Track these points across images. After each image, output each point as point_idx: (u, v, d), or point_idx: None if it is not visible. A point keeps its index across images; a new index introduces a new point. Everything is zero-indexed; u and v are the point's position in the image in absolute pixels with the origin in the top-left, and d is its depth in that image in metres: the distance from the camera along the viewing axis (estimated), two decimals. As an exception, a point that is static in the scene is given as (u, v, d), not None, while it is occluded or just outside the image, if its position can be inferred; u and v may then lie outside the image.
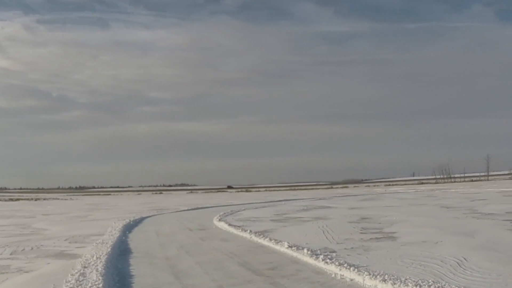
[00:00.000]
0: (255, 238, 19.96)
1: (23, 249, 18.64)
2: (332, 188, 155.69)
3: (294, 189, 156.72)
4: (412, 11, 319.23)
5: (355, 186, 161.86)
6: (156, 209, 48.89)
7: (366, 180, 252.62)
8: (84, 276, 12.26)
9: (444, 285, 10.08)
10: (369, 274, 11.19)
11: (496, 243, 15.61)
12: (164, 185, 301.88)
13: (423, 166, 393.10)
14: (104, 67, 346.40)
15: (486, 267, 11.82)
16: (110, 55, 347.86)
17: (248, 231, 22.05)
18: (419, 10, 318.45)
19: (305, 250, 15.15)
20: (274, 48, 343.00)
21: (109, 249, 17.22)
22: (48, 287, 11.46)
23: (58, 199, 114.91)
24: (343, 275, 11.91)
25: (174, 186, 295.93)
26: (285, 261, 14.56)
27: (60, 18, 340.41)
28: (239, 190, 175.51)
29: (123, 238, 22.29)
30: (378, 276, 10.94)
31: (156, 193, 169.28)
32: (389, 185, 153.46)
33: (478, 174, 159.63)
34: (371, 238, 18.44)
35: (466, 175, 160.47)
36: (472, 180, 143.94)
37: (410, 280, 10.43)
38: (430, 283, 10.15)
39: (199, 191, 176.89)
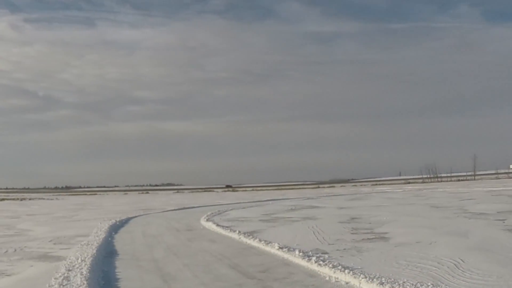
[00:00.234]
0: (244, 239, 19.52)
1: (6, 251, 18.07)
2: (319, 187, 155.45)
3: (281, 189, 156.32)
4: (399, 11, 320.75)
5: (342, 186, 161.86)
6: (142, 209, 48.38)
7: (353, 179, 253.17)
8: (68, 280, 11.76)
9: (444, 288, 9.73)
10: (365, 277, 10.78)
11: (492, 243, 15.27)
12: (150, 185, 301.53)
13: (409, 165, 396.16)
14: (91, 66, 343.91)
15: (485, 268, 11.45)
16: (96, 54, 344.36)
17: (237, 231, 21.64)
18: (406, 10, 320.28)
19: (297, 252, 14.76)
20: (261, 47, 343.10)
21: (94, 251, 16.71)
22: (30, 292, 10.99)
23: (43, 199, 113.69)
24: (337, 278, 11.52)
25: (161, 185, 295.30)
26: (276, 263, 14.14)
27: (47, 17, 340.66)
28: (226, 189, 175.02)
29: (109, 239, 21.78)
30: (374, 279, 10.55)
31: (142, 193, 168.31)
32: (376, 184, 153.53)
33: (464, 173, 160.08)
34: (363, 239, 18.05)
35: (452, 174, 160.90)
36: (458, 180, 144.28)
37: (408, 283, 10.07)
38: (429, 287, 9.79)
39: (186, 191, 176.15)
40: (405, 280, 10.44)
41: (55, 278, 12.00)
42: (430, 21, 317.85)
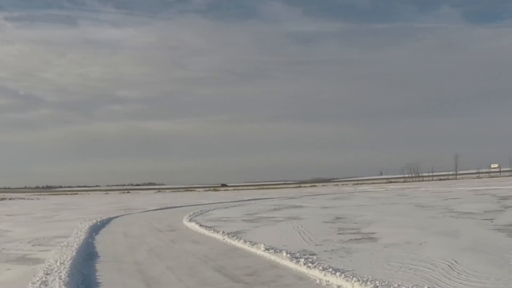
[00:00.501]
0: (228, 240, 19.00)
1: (-17, 253, 17.48)
2: (300, 187, 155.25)
3: (263, 188, 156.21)
4: (381, 11, 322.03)
5: (323, 185, 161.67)
6: (124, 209, 47.73)
7: (334, 179, 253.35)
8: (46, 285, 11.17)
9: (441, 292, 9.33)
10: (358, 280, 10.30)
11: (484, 244, 14.92)
12: (131, 184, 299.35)
13: (390, 165, 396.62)
14: (72, 65, 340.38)
15: (481, 270, 11.06)
16: (78, 53, 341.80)
17: (221, 232, 21.13)
18: (388, 10, 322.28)
19: (284, 253, 14.26)
20: (243, 47, 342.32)
21: (74, 253, 16.09)
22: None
23: (24, 199, 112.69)
24: (328, 281, 11.01)
25: (142, 185, 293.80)
26: (263, 265, 13.61)
27: (28, 15, 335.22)
28: (208, 189, 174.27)
29: (90, 240, 21.16)
30: (368, 282, 10.08)
31: (123, 193, 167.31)
32: (358, 184, 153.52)
33: (446, 173, 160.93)
34: (350, 239, 17.64)
35: (434, 174, 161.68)
36: (440, 179, 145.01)
37: (403, 287, 9.64)
38: (426, 290, 9.38)
39: (167, 190, 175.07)
40: (399, 283, 10.01)
41: (33, 283, 11.42)
42: (412, 22, 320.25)
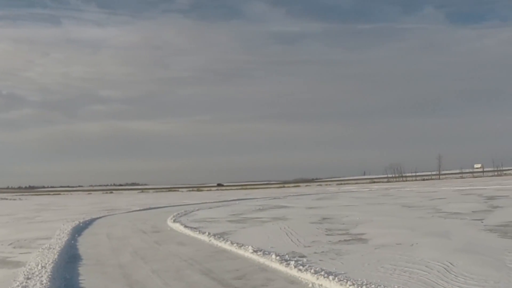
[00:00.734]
0: (215, 241, 18.55)
1: (-39, 257, 16.90)
2: (284, 187, 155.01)
3: (246, 188, 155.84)
4: (364, 12, 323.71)
5: (307, 185, 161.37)
6: (107, 209, 47.18)
7: (317, 179, 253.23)
8: (26, 290, 10.75)
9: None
10: (353, 284, 9.91)
11: (477, 245, 14.60)
12: (114, 185, 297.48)
13: (373, 165, 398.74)
14: (55, 64, 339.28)
15: (479, 273, 10.71)
16: (61, 52, 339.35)
17: (207, 233, 20.67)
18: (371, 11, 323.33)
19: (273, 256, 13.80)
20: (226, 47, 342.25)
21: (56, 256, 15.57)
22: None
23: (6, 199, 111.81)
24: (321, 285, 10.57)
25: (125, 185, 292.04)
26: (252, 268, 13.16)
27: (11, 14, 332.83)
28: (191, 189, 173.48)
29: (72, 242, 20.62)
30: (363, 286, 9.71)
31: (106, 193, 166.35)
32: (341, 184, 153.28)
33: (429, 173, 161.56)
34: (339, 241, 17.24)
35: (417, 174, 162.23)
36: (424, 179, 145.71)
37: (400, 291, 9.28)
38: (425, 295, 9.01)
39: (150, 191, 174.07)
40: (395, 286, 9.66)
41: (12, 288, 10.99)
42: (395, 22, 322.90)
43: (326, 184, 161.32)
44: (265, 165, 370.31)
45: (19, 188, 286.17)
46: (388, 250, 14.47)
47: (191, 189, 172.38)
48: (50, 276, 12.21)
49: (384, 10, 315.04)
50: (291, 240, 18.07)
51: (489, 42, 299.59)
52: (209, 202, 55.35)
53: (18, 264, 14.65)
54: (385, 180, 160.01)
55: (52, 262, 14.31)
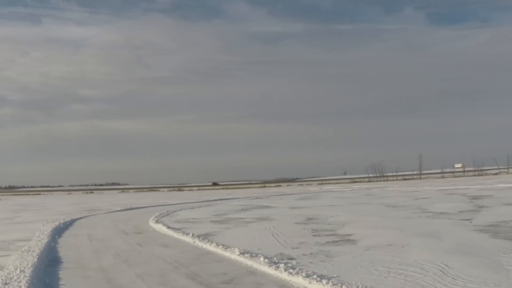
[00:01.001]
0: (199, 243, 18.05)
1: None
2: (265, 187, 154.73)
3: (227, 188, 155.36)
4: (345, 12, 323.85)
5: (288, 185, 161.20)
6: (87, 209, 46.56)
7: (298, 179, 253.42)
8: (3, 297, 10.22)
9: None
10: (348, 289, 9.53)
11: (470, 246, 14.26)
12: (95, 184, 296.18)
13: (354, 165, 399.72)
14: (36, 63, 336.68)
15: (476, 275, 10.33)
16: (41, 51, 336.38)
17: (190, 234, 20.19)
18: (352, 11, 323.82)
19: (261, 258, 13.33)
20: (207, 47, 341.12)
21: (35, 259, 14.96)
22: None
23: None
24: (314, 290, 10.19)
25: (105, 185, 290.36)
26: (240, 271, 12.63)
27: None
28: (171, 189, 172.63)
29: (52, 244, 20.00)
30: (359, 291, 9.32)
31: (87, 193, 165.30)
32: (323, 183, 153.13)
33: (410, 172, 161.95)
34: (327, 242, 16.81)
35: (398, 173, 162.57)
36: (405, 179, 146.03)
37: (398, 296, 8.87)
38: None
39: (131, 190, 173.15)
40: (392, 291, 9.27)
41: (-13, 294, 10.45)
42: (376, 23, 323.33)
43: (307, 184, 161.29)
44: (246, 165, 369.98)
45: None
46: (379, 252, 14.06)
47: (172, 189, 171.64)
48: (29, 281, 11.61)
49: (365, 10, 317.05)
50: (278, 241, 17.62)
51: (469, 43, 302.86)
52: (190, 202, 54.85)
53: (-5, 268, 14.09)
54: (366, 180, 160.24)
55: (31, 266, 13.73)
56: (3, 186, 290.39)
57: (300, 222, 24.33)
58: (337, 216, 26.58)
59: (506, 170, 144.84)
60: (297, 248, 15.74)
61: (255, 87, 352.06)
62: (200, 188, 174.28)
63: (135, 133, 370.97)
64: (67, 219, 32.72)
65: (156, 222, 27.50)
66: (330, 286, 9.89)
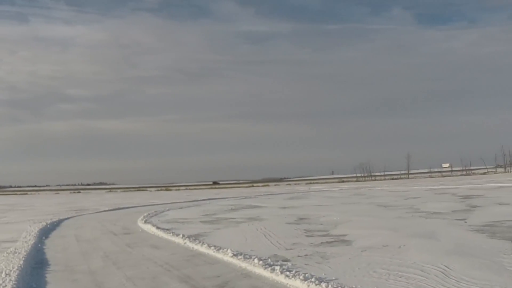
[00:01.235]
0: (190, 244, 17.59)
1: None
2: (253, 186, 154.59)
3: (215, 188, 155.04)
4: (332, 12, 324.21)
5: (276, 185, 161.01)
6: (75, 209, 46.04)
7: (286, 178, 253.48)
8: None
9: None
10: (349, 292, 9.14)
11: (468, 246, 13.95)
12: (82, 184, 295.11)
13: (341, 164, 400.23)
14: (23, 63, 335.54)
15: (480, 277, 10.00)
16: (29, 50, 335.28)
17: (181, 235, 19.75)
18: (340, 11, 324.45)
19: (256, 260, 12.90)
20: (195, 46, 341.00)
21: (22, 261, 14.43)
22: None
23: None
24: (314, 293, 9.79)
25: (93, 184, 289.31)
26: (234, 274, 12.18)
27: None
28: (159, 189, 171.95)
29: (39, 245, 19.46)
30: (361, 295, 8.94)
31: (74, 192, 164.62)
32: (311, 183, 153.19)
33: (398, 172, 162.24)
34: (322, 243, 16.45)
35: (386, 173, 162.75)
36: (393, 178, 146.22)
37: (402, 300, 8.50)
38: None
39: (118, 190, 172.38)
40: (395, 294, 8.91)
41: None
42: (364, 23, 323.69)
43: (295, 184, 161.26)
44: (234, 164, 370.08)
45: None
46: (376, 253, 13.70)
47: (159, 188, 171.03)
48: (15, 286, 11.15)
49: (353, 10, 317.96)
50: (271, 242, 17.23)
51: (457, 44, 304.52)
52: (179, 202, 54.39)
53: (-21, 271, 13.60)
54: (354, 179, 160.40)
55: (17, 269, 13.22)
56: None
57: (291, 222, 23.98)
58: (329, 216, 26.26)
59: (494, 170, 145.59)
60: (291, 249, 15.37)
61: (243, 87, 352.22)
62: (188, 187, 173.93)
63: (122, 133, 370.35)
64: (54, 220, 32.22)
65: (145, 222, 27.06)
66: (330, 290, 9.50)
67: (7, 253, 16.52)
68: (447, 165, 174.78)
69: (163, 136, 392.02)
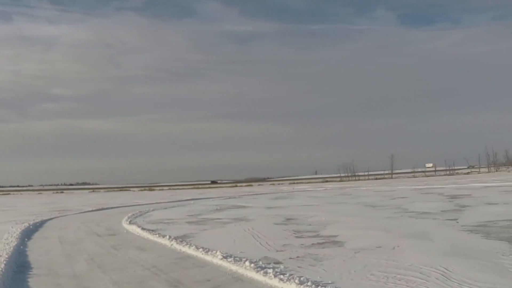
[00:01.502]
0: (177, 246, 17.10)
1: None
2: (236, 186, 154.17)
3: (199, 188, 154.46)
4: (317, 12, 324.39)
5: (259, 185, 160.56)
6: (58, 210, 45.24)
7: (269, 178, 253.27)
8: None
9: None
10: (348, 297, 8.74)
11: (465, 247, 13.64)
12: (65, 184, 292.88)
13: (325, 164, 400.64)
14: (6, 62, 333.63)
15: (482, 279, 9.65)
16: (12, 49, 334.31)
17: (167, 236, 19.24)
18: (324, 12, 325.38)
19: (247, 262, 12.43)
20: (179, 46, 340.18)
21: (3, 265, 13.81)
22: None
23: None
24: (311, 299, 9.36)
25: (76, 185, 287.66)
26: (225, 277, 11.69)
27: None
28: (142, 189, 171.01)
29: (21, 247, 18.83)
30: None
31: (57, 193, 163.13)
32: (294, 183, 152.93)
33: (382, 172, 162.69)
34: (313, 244, 16.05)
35: (370, 173, 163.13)
36: (376, 178, 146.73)
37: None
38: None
39: (101, 190, 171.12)
40: (396, 299, 8.51)
41: None
42: (348, 23, 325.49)
43: (279, 183, 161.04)
44: (217, 164, 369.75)
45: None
46: (370, 255, 13.33)
47: (143, 188, 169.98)
48: (-5, 291, 10.71)
49: (337, 11, 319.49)
50: (260, 243, 16.80)
51: (440, 44, 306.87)
52: (163, 202, 53.82)
53: (-42, 275, 13.04)
54: (338, 179, 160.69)
55: (-2, 273, 12.77)
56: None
57: (279, 222, 23.60)
58: (317, 216, 25.91)
59: (477, 170, 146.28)
60: (281, 251, 14.95)
61: (227, 87, 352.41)
62: (171, 187, 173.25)
63: (106, 132, 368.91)
64: (37, 220, 31.57)
65: (130, 223, 26.53)
66: (329, 295, 9.09)
67: (-12, 256, 15.97)
68: (431, 165, 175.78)
69: (147, 135, 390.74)
